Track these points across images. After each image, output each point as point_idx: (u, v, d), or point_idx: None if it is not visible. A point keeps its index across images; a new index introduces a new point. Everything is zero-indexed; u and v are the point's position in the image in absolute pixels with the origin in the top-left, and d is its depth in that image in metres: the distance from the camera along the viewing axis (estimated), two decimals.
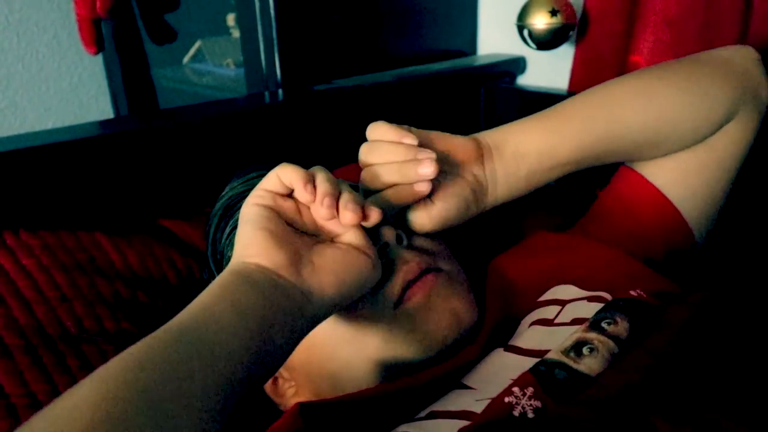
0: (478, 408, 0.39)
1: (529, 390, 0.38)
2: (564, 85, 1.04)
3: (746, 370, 0.38)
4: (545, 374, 0.39)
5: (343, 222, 0.44)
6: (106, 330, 0.59)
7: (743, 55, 0.61)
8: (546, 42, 0.95)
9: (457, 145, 0.53)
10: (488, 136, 0.55)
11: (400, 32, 1.08)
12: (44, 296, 0.58)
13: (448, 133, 0.53)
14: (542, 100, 0.60)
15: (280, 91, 0.92)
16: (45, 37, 1.43)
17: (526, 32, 0.95)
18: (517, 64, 1.12)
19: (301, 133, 0.85)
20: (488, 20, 1.17)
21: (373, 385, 0.47)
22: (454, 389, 0.44)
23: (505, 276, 0.57)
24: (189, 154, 0.76)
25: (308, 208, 0.45)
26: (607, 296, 0.49)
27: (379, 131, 0.50)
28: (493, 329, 0.49)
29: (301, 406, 0.40)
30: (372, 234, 0.48)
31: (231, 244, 0.55)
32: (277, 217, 0.43)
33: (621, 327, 0.42)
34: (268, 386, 0.56)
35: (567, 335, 0.42)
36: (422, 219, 0.50)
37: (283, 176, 0.44)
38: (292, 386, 0.55)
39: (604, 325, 0.42)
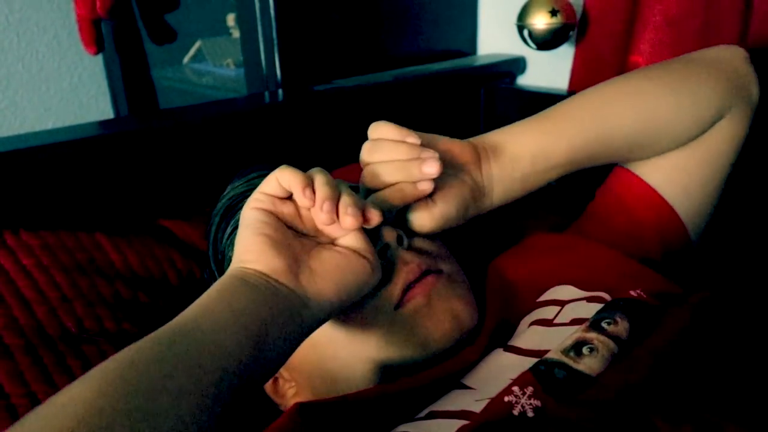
0: (478, 408, 0.39)
1: (529, 389, 0.38)
2: (564, 85, 1.04)
3: (746, 371, 0.38)
4: (545, 374, 0.39)
5: (344, 226, 0.44)
6: (107, 330, 0.59)
7: (732, 54, 0.62)
8: (546, 42, 0.95)
9: (455, 148, 0.53)
10: (483, 140, 0.55)
11: (400, 32, 1.08)
12: (44, 296, 0.58)
13: (446, 137, 0.54)
14: (542, 101, 0.60)
15: (280, 91, 0.92)
16: (45, 37, 1.43)
17: (526, 32, 0.95)
18: (517, 64, 1.12)
19: (301, 134, 0.85)
20: (488, 20, 1.17)
21: (373, 386, 0.47)
22: (453, 389, 0.44)
23: (504, 277, 0.58)
24: (189, 154, 0.76)
25: (308, 210, 0.45)
26: (606, 296, 0.49)
27: (381, 130, 0.50)
28: (493, 330, 0.50)
29: (300, 406, 0.40)
30: (373, 234, 0.48)
31: (232, 245, 0.55)
32: (276, 221, 0.43)
33: (621, 327, 0.42)
34: (268, 387, 0.56)
35: (566, 335, 0.42)
36: (423, 219, 0.50)
37: (282, 179, 0.44)
38: (292, 387, 0.55)
39: (604, 325, 0.42)
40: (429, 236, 0.53)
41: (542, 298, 0.52)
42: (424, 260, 0.50)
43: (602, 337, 0.41)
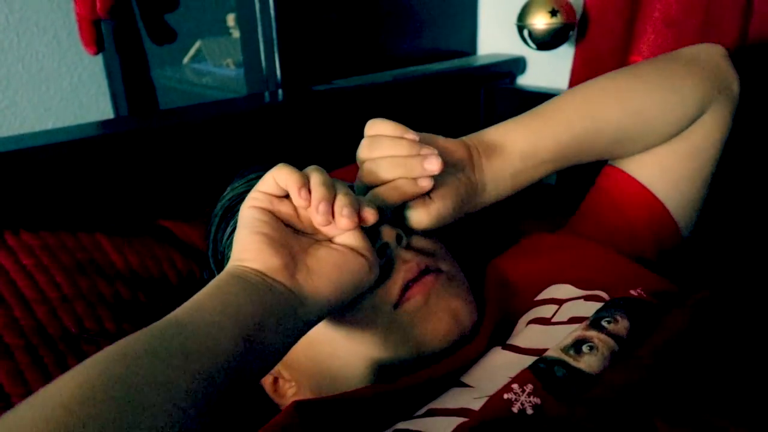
0: (477, 406, 0.39)
1: (529, 387, 0.38)
2: (564, 85, 1.04)
3: (746, 371, 0.38)
4: (545, 372, 0.39)
5: (339, 227, 0.44)
6: (107, 330, 0.59)
7: (713, 52, 0.64)
8: (546, 42, 0.95)
9: (449, 146, 0.53)
10: (474, 139, 0.56)
11: (400, 32, 1.08)
12: (45, 296, 0.58)
13: (439, 135, 0.54)
14: (542, 101, 0.60)
15: (280, 91, 0.92)
16: (45, 37, 1.43)
17: (526, 32, 0.95)
18: (517, 64, 1.12)
19: (301, 134, 0.85)
20: (488, 20, 1.17)
21: (372, 384, 0.48)
22: (452, 387, 0.44)
23: (503, 277, 0.58)
24: (189, 154, 0.76)
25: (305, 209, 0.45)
26: (604, 295, 0.49)
27: (379, 127, 0.50)
28: (492, 329, 0.50)
29: (297, 404, 0.41)
30: (372, 233, 0.48)
31: (231, 245, 0.55)
32: (273, 219, 0.43)
33: (621, 326, 0.42)
34: (268, 387, 0.56)
35: (564, 334, 0.42)
36: (421, 215, 0.50)
37: (279, 179, 0.44)
38: (292, 386, 0.55)
39: (604, 323, 0.42)
40: (428, 235, 0.53)
41: (540, 297, 0.53)
42: (423, 259, 0.51)
43: (602, 336, 0.41)
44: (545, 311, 0.50)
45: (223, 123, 0.78)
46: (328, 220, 0.43)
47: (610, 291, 0.49)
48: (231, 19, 1.34)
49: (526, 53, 1.11)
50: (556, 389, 0.38)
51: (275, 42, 0.90)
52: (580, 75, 1.00)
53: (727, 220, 0.77)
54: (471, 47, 1.19)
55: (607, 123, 0.59)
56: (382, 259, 0.48)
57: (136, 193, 0.73)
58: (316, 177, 0.44)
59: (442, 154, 0.52)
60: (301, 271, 0.42)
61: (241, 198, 0.59)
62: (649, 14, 0.90)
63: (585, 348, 0.40)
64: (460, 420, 0.38)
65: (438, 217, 0.50)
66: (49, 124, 1.49)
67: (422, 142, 0.49)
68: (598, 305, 0.45)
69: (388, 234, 0.49)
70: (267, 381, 0.56)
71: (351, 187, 0.50)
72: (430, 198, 0.50)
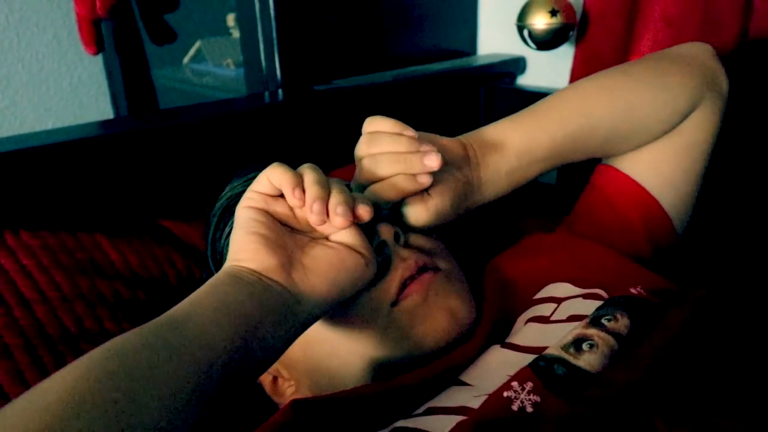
0: (476, 404, 0.39)
1: (528, 385, 0.38)
2: (564, 85, 1.03)
3: (746, 370, 0.38)
4: (545, 369, 0.39)
5: (334, 225, 0.44)
6: (107, 330, 0.59)
7: (701, 50, 0.66)
8: (546, 42, 0.95)
9: (446, 144, 0.53)
10: (471, 137, 0.56)
11: (400, 32, 1.08)
12: (45, 296, 0.58)
13: (436, 134, 0.54)
14: None
15: (280, 91, 0.92)
16: (45, 37, 1.44)
17: (526, 32, 0.95)
18: (517, 64, 1.12)
19: (301, 133, 0.85)
20: (488, 20, 1.17)
21: (370, 383, 0.48)
22: (451, 386, 0.44)
23: (502, 275, 0.58)
24: (189, 154, 0.76)
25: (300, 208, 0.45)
26: (603, 294, 0.49)
27: (378, 124, 0.50)
28: (491, 328, 0.50)
29: (295, 402, 0.41)
30: (369, 230, 0.48)
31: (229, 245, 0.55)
32: (269, 219, 0.43)
33: (621, 324, 0.42)
34: (268, 386, 0.56)
35: (563, 332, 0.42)
36: (419, 212, 0.50)
37: (273, 178, 0.44)
38: (291, 385, 0.55)
39: (604, 321, 0.42)
40: (426, 233, 0.53)
41: (539, 296, 0.53)
42: (422, 257, 0.51)
43: (602, 334, 0.41)
44: (544, 309, 0.50)
45: (223, 123, 0.78)
46: (323, 219, 0.43)
47: (609, 289, 0.49)
48: (231, 19, 1.34)
49: (526, 53, 1.11)
50: (556, 387, 0.38)
51: (275, 42, 0.90)
52: (580, 75, 1.00)
53: (725, 219, 0.77)
54: (471, 47, 1.19)
55: (602, 121, 0.59)
56: (380, 256, 0.48)
57: (136, 193, 0.73)
58: (309, 176, 0.44)
59: (441, 152, 0.52)
60: (297, 269, 0.42)
61: (239, 198, 0.59)
62: (649, 14, 0.90)
63: (585, 346, 0.40)
64: (459, 418, 0.38)
65: (436, 213, 0.50)
66: (49, 124, 1.49)
67: (421, 140, 0.49)
68: (597, 303, 0.45)
69: (385, 232, 0.49)
70: (266, 380, 0.56)
71: (347, 186, 0.50)
72: (428, 194, 0.50)
